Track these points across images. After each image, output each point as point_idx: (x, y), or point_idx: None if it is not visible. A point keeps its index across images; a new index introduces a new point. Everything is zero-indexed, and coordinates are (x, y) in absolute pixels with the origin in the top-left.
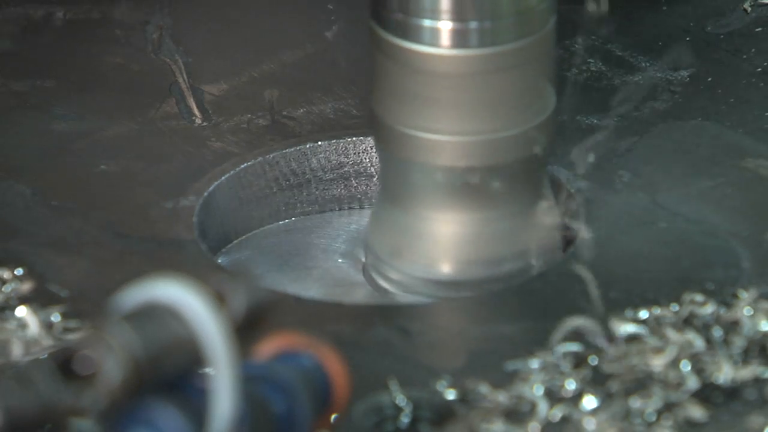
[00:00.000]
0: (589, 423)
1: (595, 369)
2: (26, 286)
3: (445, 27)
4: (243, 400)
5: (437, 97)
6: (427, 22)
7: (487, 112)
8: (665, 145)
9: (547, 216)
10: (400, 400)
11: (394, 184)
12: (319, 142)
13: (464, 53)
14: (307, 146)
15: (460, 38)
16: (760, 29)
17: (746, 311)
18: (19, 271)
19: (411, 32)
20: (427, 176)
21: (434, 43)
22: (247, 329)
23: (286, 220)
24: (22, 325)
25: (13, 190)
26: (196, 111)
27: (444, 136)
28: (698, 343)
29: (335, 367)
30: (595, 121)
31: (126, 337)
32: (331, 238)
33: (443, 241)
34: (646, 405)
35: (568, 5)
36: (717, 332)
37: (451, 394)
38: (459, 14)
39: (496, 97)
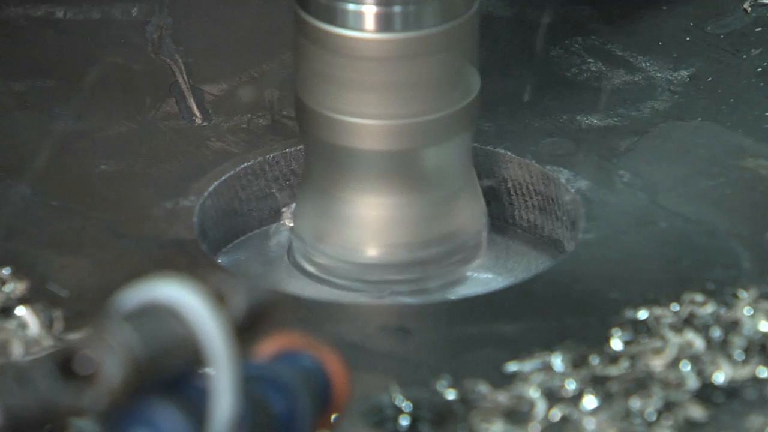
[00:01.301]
0: (589, 423)
1: (595, 369)
2: (26, 286)
3: (369, 11)
4: (243, 400)
5: (362, 81)
6: (351, 6)
7: (411, 96)
8: (665, 145)
9: (471, 199)
10: (400, 400)
11: (318, 169)
12: None
13: (388, 37)
14: None
15: (384, 22)
16: (760, 29)
17: (746, 311)
18: (15, 271)
19: (335, 16)
20: (352, 160)
21: (359, 26)
22: (247, 329)
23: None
24: (22, 325)
25: (13, 190)
26: (196, 111)
27: (369, 120)
28: (698, 343)
29: (335, 367)
30: (595, 120)
31: (126, 337)
32: None
33: (368, 225)
34: (646, 405)
35: (568, 5)
36: (717, 332)
37: (451, 394)
38: None
39: (420, 80)
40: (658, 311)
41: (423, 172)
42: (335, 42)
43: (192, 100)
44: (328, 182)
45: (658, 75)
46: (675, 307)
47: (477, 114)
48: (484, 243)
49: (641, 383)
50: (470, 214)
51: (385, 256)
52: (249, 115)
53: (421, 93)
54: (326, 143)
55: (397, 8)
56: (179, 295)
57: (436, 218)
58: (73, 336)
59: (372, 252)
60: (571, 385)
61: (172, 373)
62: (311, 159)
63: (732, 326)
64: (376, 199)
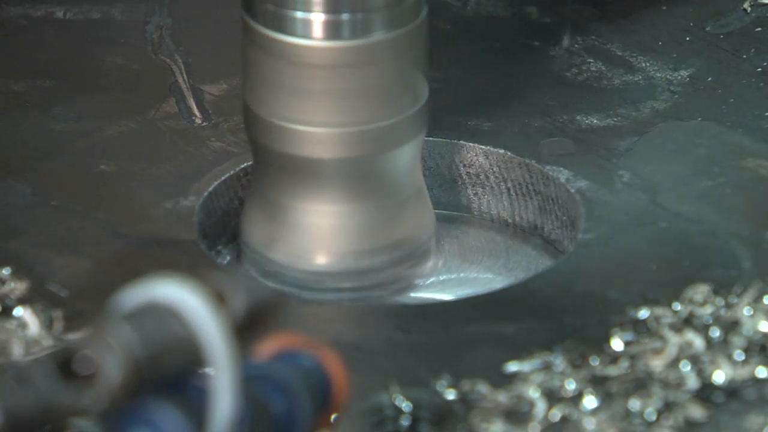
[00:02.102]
0: (589, 423)
1: (595, 369)
2: (26, 286)
3: (317, 18)
4: (243, 400)
5: (310, 89)
6: (299, 14)
7: (359, 104)
8: (665, 145)
9: (420, 207)
10: (400, 400)
11: (266, 176)
12: None
13: (336, 44)
14: None
15: (332, 30)
16: (760, 29)
17: (746, 311)
18: (13, 271)
19: (283, 23)
20: (300, 168)
21: (306, 34)
22: (247, 329)
23: None
24: (22, 325)
25: (13, 190)
26: (196, 111)
27: (317, 128)
28: (698, 343)
29: (335, 367)
30: (595, 120)
31: (126, 337)
32: None
33: (317, 233)
34: (646, 405)
35: (568, 5)
36: (717, 332)
37: (451, 394)
38: (331, 6)
39: (368, 88)
40: (658, 311)
41: (371, 179)
42: (283, 49)
43: (192, 100)
44: (276, 190)
45: (658, 75)
46: (675, 307)
47: (426, 122)
48: (432, 250)
49: (641, 383)
50: (419, 221)
51: (333, 265)
52: None
53: (369, 101)
54: (274, 151)
55: (345, 16)
56: (179, 295)
57: (384, 226)
58: (73, 336)
59: (320, 260)
60: (571, 385)
61: (172, 373)
62: (259, 167)
63: (732, 326)
64: (324, 207)
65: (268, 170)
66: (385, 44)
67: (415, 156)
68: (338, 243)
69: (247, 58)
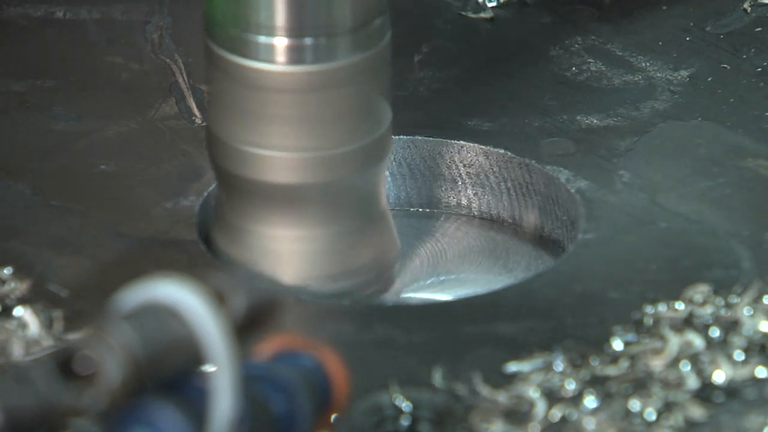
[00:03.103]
0: (589, 423)
1: (595, 369)
2: (26, 286)
3: (280, 43)
4: (243, 400)
5: (272, 114)
6: (262, 39)
7: (322, 128)
8: (665, 145)
9: (383, 231)
10: (400, 400)
11: (230, 201)
12: None
13: (299, 69)
14: None
15: (295, 54)
16: (760, 29)
17: (746, 311)
18: (13, 271)
19: (246, 48)
20: (262, 193)
21: (269, 59)
22: (247, 329)
23: None
24: (22, 325)
25: (13, 190)
26: (196, 111)
27: (279, 153)
28: (698, 343)
29: (335, 367)
30: (595, 120)
31: (126, 337)
32: None
33: (279, 258)
34: (646, 405)
35: (568, 6)
36: (717, 332)
37: (451, 394)
38: (294, 30)
39: (331, 113)
40: (658, 311)
41: (334, 205)
42: (245, 74)
43: (192, 100)
44: (239, 215)
45: (658, 75)
46: (675, 306)
47: (388, 147)
48: (397, 274)
49: (641, 383)
50: (383, 246)
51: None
52: None
53: (332, 125)
54: (236, 176)
55: (308, 40)
56: (179, 295)
57: (347, 252)
58: (73, 336)
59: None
60: (571, 385)
61: (172, 373)
62: (222, 191)
63: (732, 326)
64: (286, 232)
65: (230, 195)
66: (348, 69)
67: (379, 181)
68: (300, 269)
69: (210, 82)
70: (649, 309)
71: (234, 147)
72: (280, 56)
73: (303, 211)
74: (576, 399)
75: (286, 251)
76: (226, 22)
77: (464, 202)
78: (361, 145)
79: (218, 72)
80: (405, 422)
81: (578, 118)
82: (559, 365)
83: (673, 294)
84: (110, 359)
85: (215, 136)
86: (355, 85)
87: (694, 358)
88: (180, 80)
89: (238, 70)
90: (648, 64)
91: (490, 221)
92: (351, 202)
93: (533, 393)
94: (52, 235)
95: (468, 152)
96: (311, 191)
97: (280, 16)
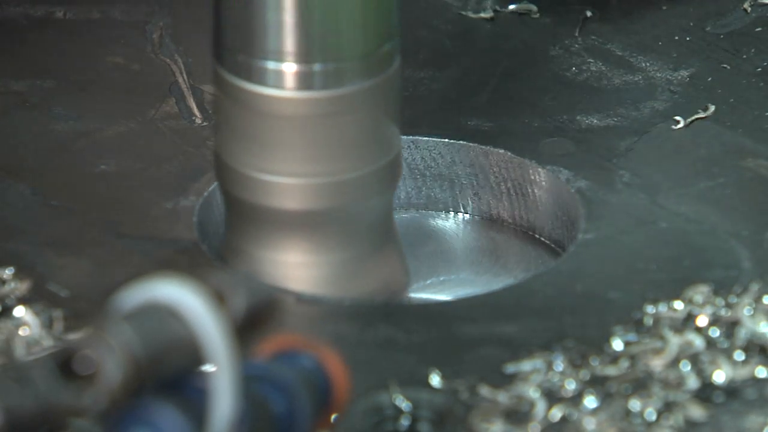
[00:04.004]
0: (589, 423)
1: (595, 369)
2: (26, 286)
3: (288, 69)
4: (243, 400)
5: (281, 140)
6: (270, 64)
7: (331, 154)
8: (665, 145)
9: (392, 258)
10: (400, 400)
11: (238, 226)
12: None
13: (308, 95)
14: None
15: (304, 80)
16: (760, 29)
17: (746, 311)
18: (13, 271)
19: (254, 74)
20: (270, 219)
21: (278, 85)
22: (247, 329)
23: None
24: (22, 325)
25: (13, 190)
26: (196, 111)
27: (288, 179)
28: (698, 343)
29: (335, 367)
30: (595, 120)
31: (126, 337)
32: None
33: (290, 284)
34: (646, 405)
35: (568, 5)
36: (717, 332)
37: (451, 394)
38: (303, 56)
39: (340, 138)
40: (658, 311)
41: (341, 231)
42: (254, 100)
43: (192, 100)
44: (246, 240)
45: (658, 75)
46: (675, 306)
47: (398, 173)
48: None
49: (641, 383)
50: (391, 273)
51: None
52: None
53: (340, 151)
54: (244, 201)
55: (316, 66)
56: (179, 295)
57: (354, 278)
58: (73, 336)
59: None
60: (571, 385)
61: (172, 373)
62: (231, 216)
63: (732, 326)
64: (295, 258)
65: (238, 220)
66: (357, 95)
67: (387, 208)
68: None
69: (218, 107)
70: (649, 309)
71: (242, 173)
72: (289, 82)
73: (312, 237)
74: (576, 399)
75: (295, 277)
76: (234, 47)
77: (464, 202)
78: (371, 171)
79: (227, 97)
80: (405, 422)
81: (578, 118)
82: (559, 365)
83: (673, 294)
84: (110, 359)
85: (223, 162)
86: (364, 111)
87: (694, 358)
88: (180, 80)
89: (246, 96)
90: (648, 64)
91: (490, 221)
92: (360, 228)
93: (533, 393)
94: (52, 235)
95: (468, 152)
96: (320, 217)
97: (289, 41)
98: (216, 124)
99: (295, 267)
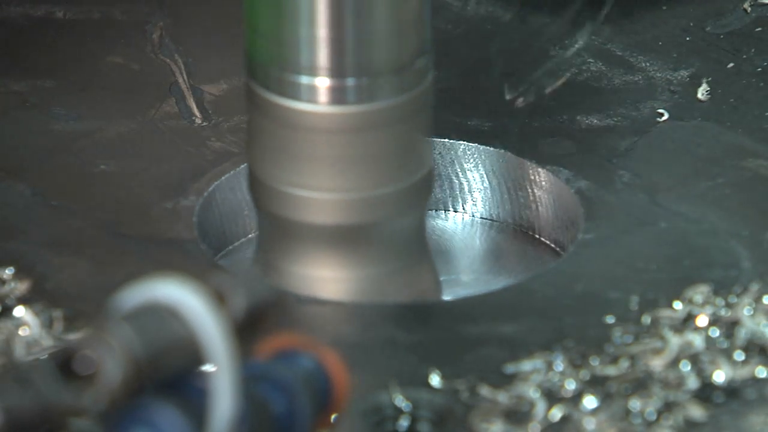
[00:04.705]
0: (589, 423)
1: (595, 369)
2: (26, 286)
3: (322, 84)
4: (243, 400)
5: (314, 154)
6: (304, 79)
7: (364, 169)
8: (665, 145)
9: (424, 273)
10: (400, 400)
11: (270, 241)
12: None
13: (341, 110)
14: None
15: (337, 95)
16: (760, 29)
17: (746, 311)
18: (14, 271)
19: (288, 89)
20: (303, 234)
21: (311, 99)
22: (247, 329)
23: None
24: (22, 325)
25: (13, 190)
26: (196, 111)
27: (321, 194)
28: (698, 343)
29: (335, 367)
30: (595, 120)
31: (126, 337)
32: None
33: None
34: (646, 405)
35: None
36: (717, 332)
37: (451, 394)
38: (336, 71)
39: (373, 153)
40: (658, 311)
41: (376, 245)
42: (287, 115)
43: (192, 100)
44: (279, 255)
45: (658, 75)
46: (675, 306)
47: (431, 188)
48: None
49: (641, 383)
50: (423, 287)
51: None
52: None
53: (373, 166)
54: (276, 216)
55: (350, 81)
56: (179, 295)
57: (388, 292)
58: (73, 336)
59: None
60: (571, 385)
61: (172, 373)
62: (263, 231)
63: (732, 326)
64: (327, 273)
65: (272, 235)
66: (391, 109)
67: (420, 222)
68: None
69: (251, 122)
70: (649, 309)
71: (274, 188)
72: (322, 97)
73: (344, 253)
74: (576, 399)
75: (328, 293)
76: (267, 62)
77: (464, 202)
78: (403, 186)
79: (259, 112)
80: (405, 422)
81: (578, 118)
82: (559, 365)
83: (673, 294)
84: (110, 359)
85: (255, 177)
86: (397, 126)
87: (694, 358)
88: (180, 80)
89: (279, 111)
90: (648, 64)
91: (490, 221)
92: (393, 243)
93: (533, 393)
94: (52, 235)
95: (468, 152)
96: (352, 232)
97: (323, 56)
98: (248, 139)
99: (327, 282)
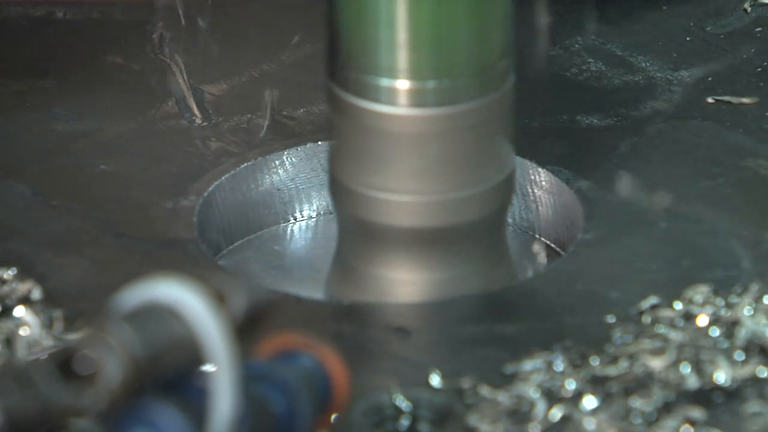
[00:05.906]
0: (589, 423)
1: (595, 369)
2: (26, 286)
3: (402, 86)
4: (243, 400)
5: (394, 157)
6: (384, 81)
7: (445, 172)
8: (665, 145)
9: (506, 275)
10: (400, 400)
11: (349, 243)
12: (320, 142)
13: (422, 112)
14: (307, 146)
15: (417, 97)
16: (760, 29)
17: (746, 311)
18: (15, 271)
19: (368, 91)
20: (384, 237)
21: (392, 102)
22: (247, 329)
23: (287, 222)
24: (22, 325)
25: (13, 190)
26: (196, 111)
27: (401, 196)
28: (698, 342)
29: (335, 367)
30: (595, 120)
31: (126, 337)
32: (332, 240)
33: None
34: (646, 405)
35: (568, 5)
36: (717, 332)
37: (451, 394)
38: (417, 73)
39: (454, 156)
40: (658, 311)
41: (456, 248)
42: (368, 118)
43: (192, 100)
44: (359, 257)
45: (658, 75)
46: (675, 306)
47: (512, 191)
48: None
49: (641, 383)
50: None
51: None
52: (249, 115)
53: (454, 169)
54: (357, 219)
55: (430, 83)
56: (179, 295)
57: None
58: (73, 336)
59: None
60: (571, 385)
61: (172, 373)
62: (343, 233)
63: (732, 326)
64: (407, 276)
65: (352, 238)
66: (472, 112)
67: (500, 225)
68: None
69: (332, 125)
70: (649, 309)
71: (355, 190)
72: (402, 99)
73: (425, 255)
74: (576, 399)
75: (406, 295)
76: (347, 64)
77: None
78: (484, 189)
79: (339, 115)
80: (405, 422)
81: (578, 118)
82: (559, 365)
83: (673, 294)
84: (110, 359)
85: (336, 179)
86: (478, 128)
87: (694, 358)
88: (180, 80)
89: (359, 113)
90: (648, 64)
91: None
92: (473, 245)
93: (533, 393)
94: (52, 235)
95: None
96: (432, 235)
97: (402, 58)
98: (330, 142)
99: (406, 284)
